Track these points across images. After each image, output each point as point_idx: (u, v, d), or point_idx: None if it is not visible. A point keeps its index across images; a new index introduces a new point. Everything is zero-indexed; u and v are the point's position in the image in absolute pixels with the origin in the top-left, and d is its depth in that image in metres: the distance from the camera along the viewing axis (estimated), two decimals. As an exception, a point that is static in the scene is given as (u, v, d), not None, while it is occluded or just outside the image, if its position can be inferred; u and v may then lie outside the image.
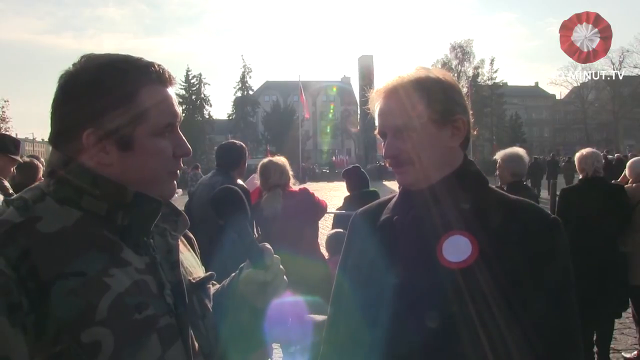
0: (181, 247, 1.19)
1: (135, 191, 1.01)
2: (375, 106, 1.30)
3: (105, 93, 0.99)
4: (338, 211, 5.07)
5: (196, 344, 1.06)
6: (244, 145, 4.29)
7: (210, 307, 1.16)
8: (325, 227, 7.41)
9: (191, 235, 1.30)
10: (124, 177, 1.01)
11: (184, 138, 1.09)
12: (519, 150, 4.24)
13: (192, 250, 1.26)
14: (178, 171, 1.10)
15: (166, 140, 1.05)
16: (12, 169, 3.84)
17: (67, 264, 0.91)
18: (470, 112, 1.32)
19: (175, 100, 1.09)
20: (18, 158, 3.92)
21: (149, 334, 0.95)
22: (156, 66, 1.05)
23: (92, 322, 0.89)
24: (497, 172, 4.22)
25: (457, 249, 1.18)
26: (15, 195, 1.01)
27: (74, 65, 1.02)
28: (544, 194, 17.69)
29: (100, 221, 0.99)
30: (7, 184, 3.65)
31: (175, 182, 1.10)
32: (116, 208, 1.00)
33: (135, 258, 1.00)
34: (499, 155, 4.22)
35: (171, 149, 1.06)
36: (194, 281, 1.12)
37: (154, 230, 1.08)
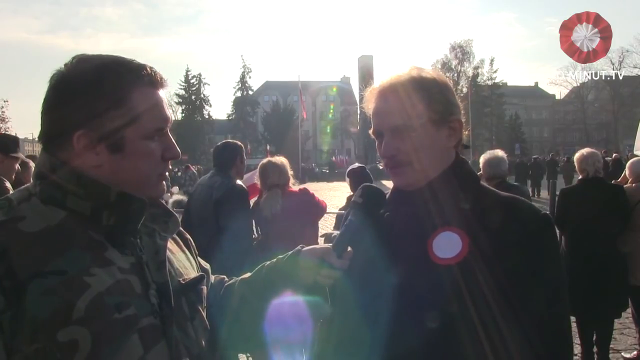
0: (173, 248, 1.18)
1: (119, 190, 1.01)
2: (371, 105, 1.29)
3: (98, 95, 0.99)
4: (339, 211, 5.08)
5: (182, 346, 1.04)
6: (239, 143, 4.27)
7: (202, 309, 1.15)
8: (325, 227, 7.41)
9: (188, 237, 1.29)
10: (113, 179, 1.01)
11: (173, 141, 1.09)
12: (498, 152, 4.36)
13: (187, 252, 1.25)
14: (167, 173, 1.11)
15: (156, 142, 1.05)
16: (16, 167, 3.85)
17: (47, 262, 0.91)
18: (463, 112, 1.32)
19: (166, 103, 1.09)
20: (19, 155, 3.93)
21: (129, 334, 0.94)
22: (148, 69, 1.05)
23: (69, 321, 0.88)
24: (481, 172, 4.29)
25: (448, 245, 1.17)
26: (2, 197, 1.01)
27: (65, 65, 1.02)
28: (544, 194, 17.69)
29: (85, 221, 0.99)
30: (8, 185, 3.61)
31: (163, 183, 1.11)
32: (100, 208, 1.00)
33: (120, 258, 1.00)
34: (482, 158, 4.33)
35: (160, 152, 1.06)
36: (183, 282, 1.11)
37: (142, 231, 1.07)
